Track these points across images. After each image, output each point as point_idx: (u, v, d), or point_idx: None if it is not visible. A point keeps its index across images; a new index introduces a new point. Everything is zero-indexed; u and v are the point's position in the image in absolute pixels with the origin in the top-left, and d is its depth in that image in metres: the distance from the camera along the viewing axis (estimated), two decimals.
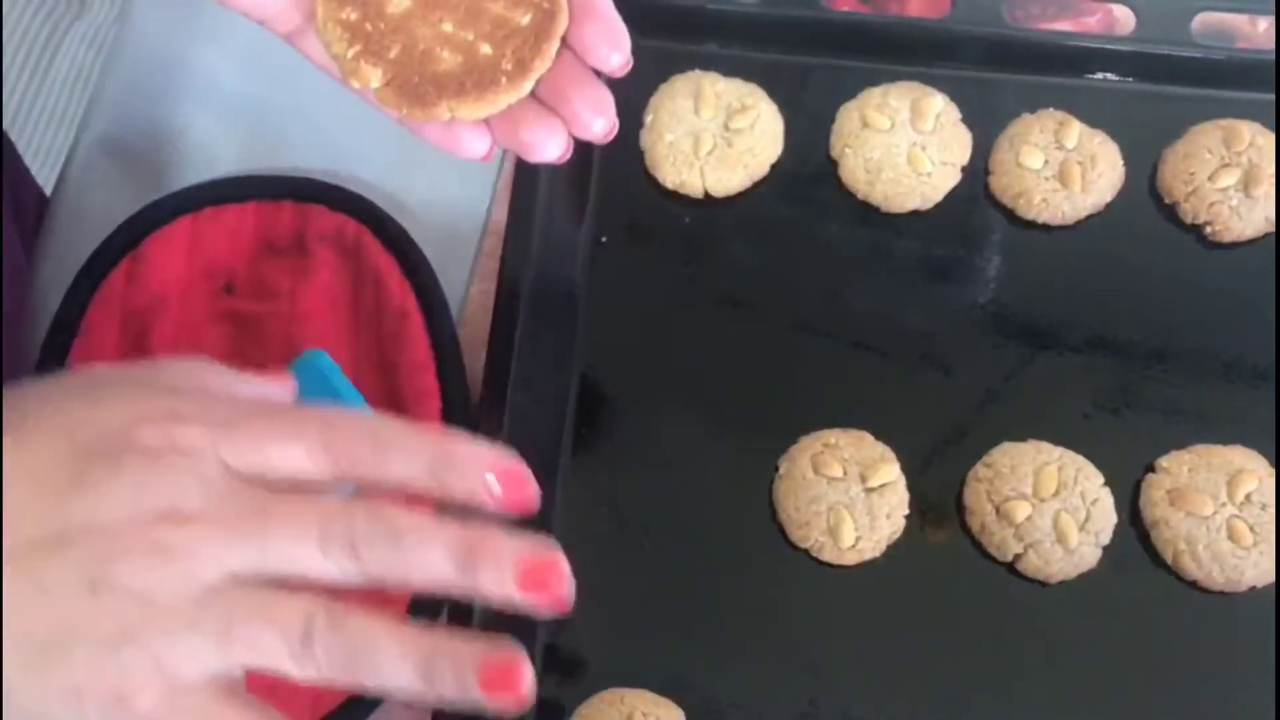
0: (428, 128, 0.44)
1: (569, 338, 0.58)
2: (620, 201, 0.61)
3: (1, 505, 0.34)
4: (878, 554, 0.54)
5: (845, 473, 0.54)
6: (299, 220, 0.60)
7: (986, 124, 0.61)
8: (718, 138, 0.60)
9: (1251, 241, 0.59)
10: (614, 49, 0.43)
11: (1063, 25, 0.64)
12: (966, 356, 0.58)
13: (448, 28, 0.43)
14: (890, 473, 0.54)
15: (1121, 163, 0.60)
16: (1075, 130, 0.60)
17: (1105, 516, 0.54)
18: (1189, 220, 0.59)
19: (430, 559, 0.34)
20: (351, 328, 0.57)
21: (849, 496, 0.54)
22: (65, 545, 0.34)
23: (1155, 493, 0.54)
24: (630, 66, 0.43)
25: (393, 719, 0.53)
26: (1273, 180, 0.58)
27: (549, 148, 0.43)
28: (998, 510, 0.54)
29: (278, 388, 0.42)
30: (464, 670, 0.33)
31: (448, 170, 0.62)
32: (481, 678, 0.33)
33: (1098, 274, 0.59)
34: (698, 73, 0.62)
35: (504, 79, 0.42)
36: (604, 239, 0.60)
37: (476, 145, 0.44)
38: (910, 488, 0.55)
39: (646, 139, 0.61)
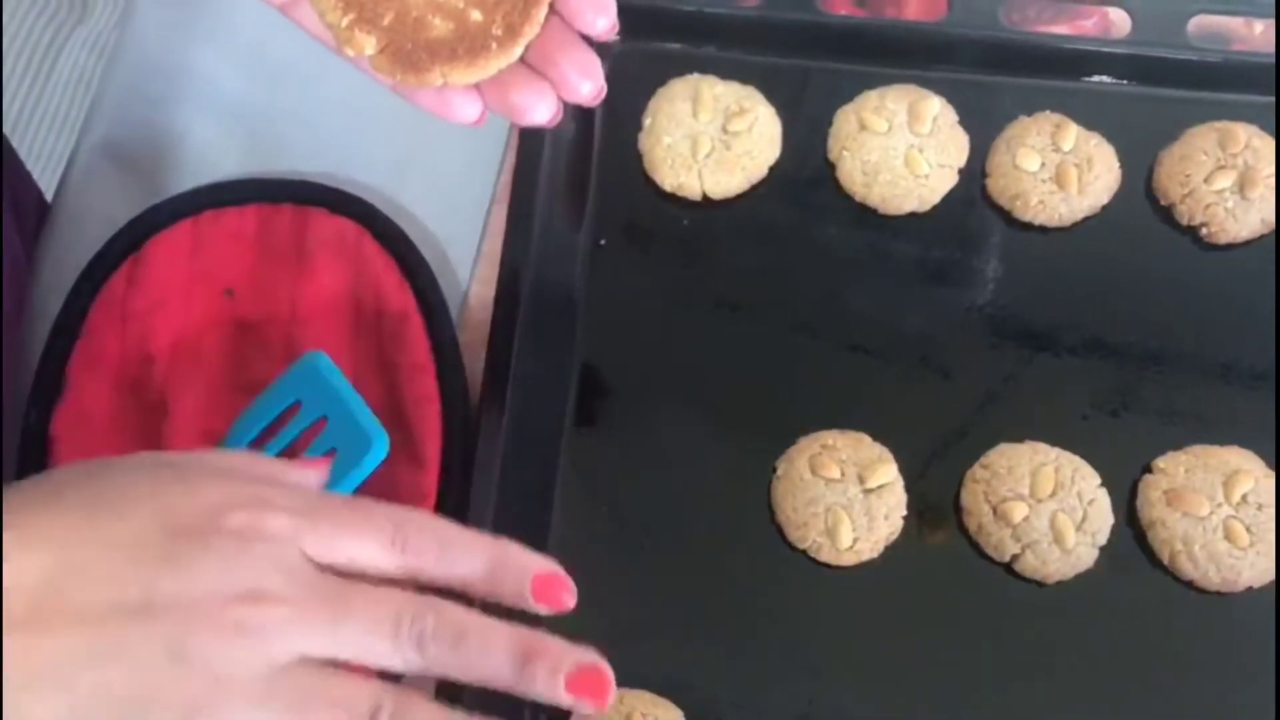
0: (421, 94, 0.45)
1: (568, 340, 0.59)
2: (619, 204, 0.61)
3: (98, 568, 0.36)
4: (875, 555, 0.54)
5: (843, 474, 0.55)
6: (299, 223, 0.60)
7: (983, 126, 0.61)
8: (716, 140, 0.60)
9: (1247, 243, 0.59)
10: (600, 13, 0.44)
11: (1059, 28, 0.64)
12: (964, 358, 0.58)
13: None
14: (888, 474, 0.55)
15: (1118, 165, 0.60)
16: (1072, 133, 0.60)
17: (1102, 517, 0.54)
18: (1185, 222, 0.60)
19: (491, 660, 0.38)
20: (351, 330, 0.58)
21: (847, 497, 0.54)
22: (151, 615, 0.36)
23: (1152, 493, 0.55)
24: (616, 30, 0.45)
25: None
26: (1268, 182, 0.59)
27: (538, 111, 0.44)
28: (995, 511, 0.54)
29: (316, 474, 0.44)
30: None
31: (447, 173, 0.62)
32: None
33: (1094, 276, 0.60)
34: (696, 76, 0.62)
35: (494, 44, 0.43)
36: (603, 241, 0.61)
37: (468, 110, 0.45)
38: (908, 489, 0.55)
39: (645, 142, 0.61)
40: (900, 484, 0.55)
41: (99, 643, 0.35)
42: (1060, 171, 0.59)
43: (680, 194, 0.61)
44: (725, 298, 0.60)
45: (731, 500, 0.56)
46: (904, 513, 0.55)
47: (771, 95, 0.62)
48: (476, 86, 0.44)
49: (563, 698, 0.38)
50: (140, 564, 0.36)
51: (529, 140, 0.60)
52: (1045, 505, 0.54)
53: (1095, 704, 0.52)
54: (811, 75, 0.63)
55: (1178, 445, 0.56)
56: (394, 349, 0.57)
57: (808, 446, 0.56)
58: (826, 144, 0.61)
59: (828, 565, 0.54)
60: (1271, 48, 0.62)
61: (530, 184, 0.59)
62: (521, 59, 0.44)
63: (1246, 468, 0.54)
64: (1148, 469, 0.55)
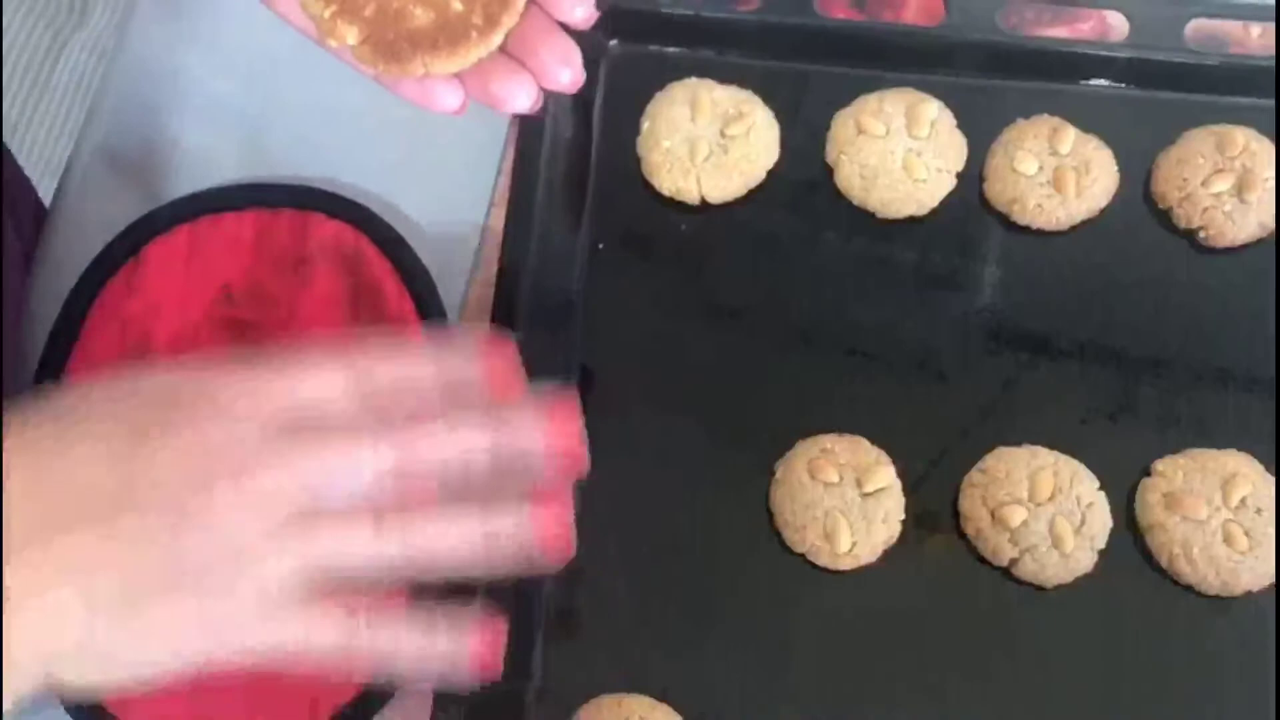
0: (403, 84, 0.45)
1: (567, 343, 0.59)
2: (617, 209, 0.61)
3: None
4: (874, 559, 0.54)
5: (841, 478, 0.55)
6: (297, 228, 0.60)
7: (981, 130, 0.61)
8: (714, 145, 0.60)
9: (1245, 246, 0.59)
10: (578, 2, 0.44)
11: (1057, 32, 0.64)
12: (962, 362, 0.58)
13: None
14: (886, 478, 0.55)
15: (1115, 168, 0.60)
16: (1069, 136, 0.60)
17: (1100, 521, 0.54)
18: (1183, 225, 0.60)
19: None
20: (349, 335, 0.58)
21: (845, 501, 0.54)
22: (138, 501, 0.37)
23: (1151, 497, 0.55)
24: (595, 19, 0.45)
25: None
26: (1266, 185, 0.59)
27: (519, 99, 0.45)
28: (993, 515, 0.54)
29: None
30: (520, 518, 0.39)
31: (445, 178, 0.62)
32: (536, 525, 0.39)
33: (1092, 279, 0.60)
34: (694, 80, 0.62)
35: (475, 34, 0.44)
36: (601, 246, 0.61)
37: (449, 99, 0.45)
38: (906, 493, 0.55)
39: (643, 146, 0.61)
40: (898, 488, 0.55)
41: (109, 536, 0.36)
42: (1058, 175, 0.59)
43: (678, 198, 0.61)
44: (723, 302, 0.60)
45: (729, 504, 0.56)
46: (902, 517, 0.55)
47: (769, 99, 0.62)
48: (458, 76, 0.45)
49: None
50: (123, 457, 0.37)
51: (527, 144, 0.60)
52: (1044, 509, 0.54)
53: (1094, 708, 0.52)
54: (809, 79, 0.63)
55: (1176, 449, 0.56)
56: None
57: (806, 450, 0.56)
58: (824, 148, 0.61)
59: (826, 569, 0.54)
60: (1268, 51, 0.62)
61: (528, 188, 0.59)
62: (501, 48, 0.45)
63: (1245, 471, 0.54)
64: (1146, 473, 0.55)
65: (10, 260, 0.61)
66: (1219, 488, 0.54)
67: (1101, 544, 0.54)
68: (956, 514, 0.55)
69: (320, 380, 0.39)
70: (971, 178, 0.61)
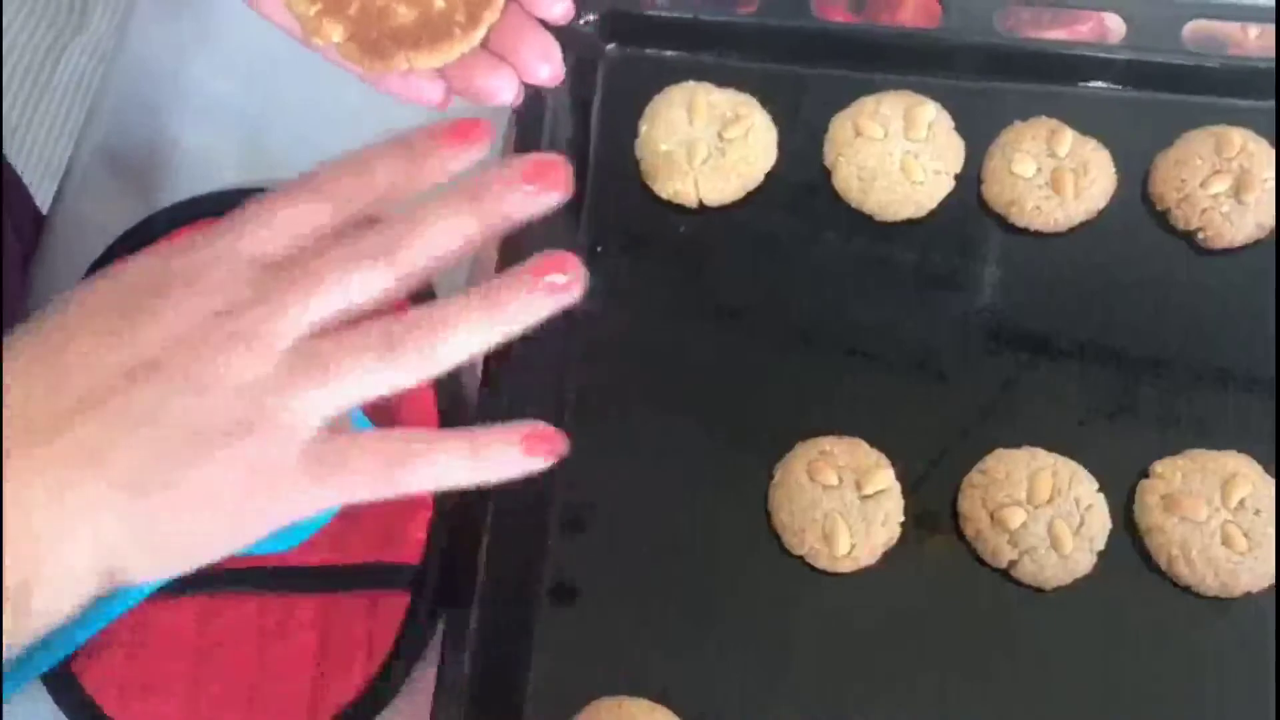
0: (387, 80, 0.47)
1: (565, 346, 0.59)
2: (615, 211, 0.61)
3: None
4: (873, 561, 0.54)
5: (840, 480, 0.55)
6: None
7: (980, 132, 0.61)
8: (712, 148, 0.60)
9: (1243, 247, 0.59)
10: None
11: (1055, 34, 0.64)
12: (961, 363, 0.58)
13: None
14: (884, 480, 0.55)
15: (1113, 170, 0.60)
16: (1067, 138, 0.60)
17: (1099, 522, 0.54)
18: (1181, 227, 0.60)
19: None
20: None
21: (844, 504, 0.54)
22: (151, 368, 0.37)
23: (1150, 498, 0.55)
24: (573, 15, 0.47)
25: None
26: (1264, 186, 0.59)
27: (502, 93, 0.46)
28: (992, 517, 0.54)
29: None
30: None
31: (442, 181, 0.62)
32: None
33: (1091, 281, 0.60)
34: (692, 83, 0.62)
35: (457, 30, 0.45)
36: (599, 248, 0.61)
37: (432, 93, 0.47)
38: (906, 495, 0.55)
39: (641, 149, 0.61)
40: (897, 490, 0.55)
41: (119, 414, 0.36)
42: (1055, 177, 0.59)
43: (676, 201, 0.61)
44: (722, 304, 0.60)
45: (729, 506, 0.56)
46: (901, 519, 0.55)
47: (767, 102, 0.62)
48: (441, 71, 0.46)
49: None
50: (116, 332, 0.37)
51: (524, 148, 0.60)
52: (1042, 511, 0.54)
53: (1094, 708, 0.52)
54: (807, 82, 0.63)
55: (1175, 450, 0.56)
56: None
57: (805, 452, 0.56)
58: (822, 151, 0.61)
59: (825, 571, 0.54)
60: (1265, 53, 0.62)
61: None
62: (483, 44, 0.46)
63: (1244, 472, 0.54)
64: (1145, 474, 0.55)
65: (9, 262, 0.61)
66: (1218, 489, 0.54)
67: (1100, 545, 0.54)
68: (955, 516, 0.55)
69: (295, 211, 0.40)
70: (969, 180, 0.61)
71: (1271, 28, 0.62)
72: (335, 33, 0.45)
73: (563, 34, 0.49)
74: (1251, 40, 0.64)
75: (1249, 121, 0.60)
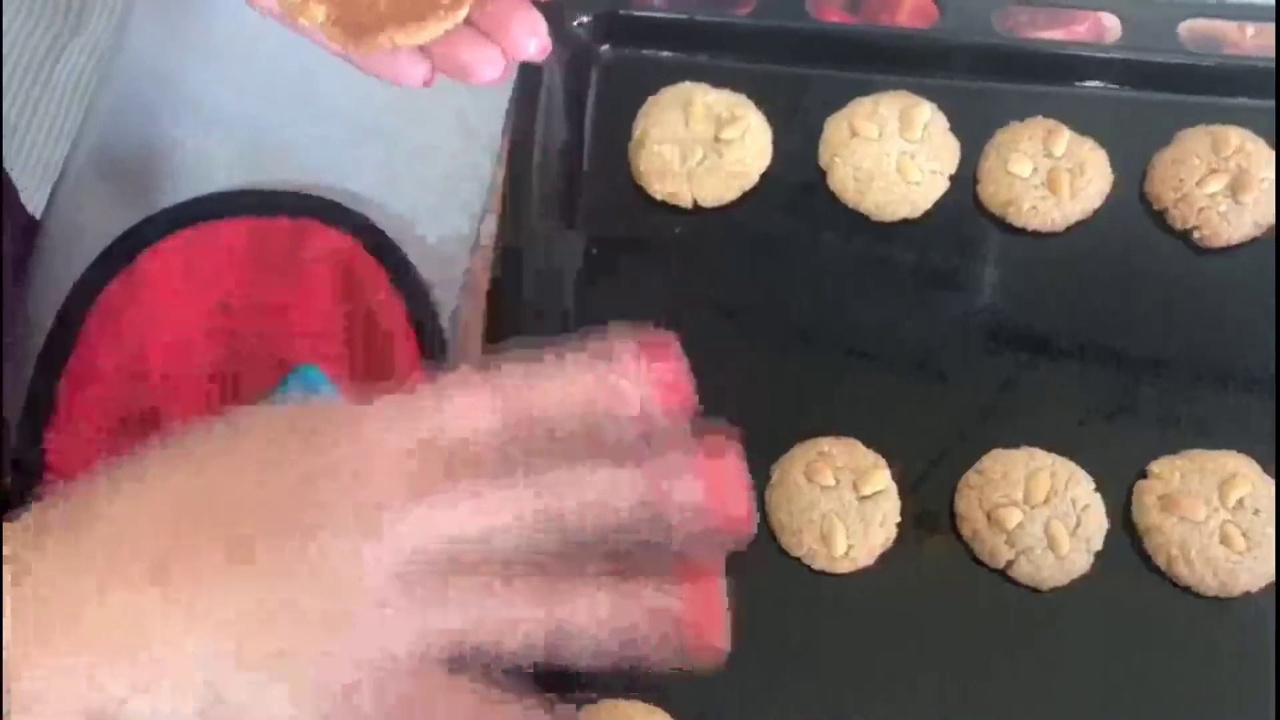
0: (371, 60, 0.46)
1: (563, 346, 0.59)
2: (610, 213, 0.61)
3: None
4: (871, 562, 0.54)
5: (838, 480, 0.55)
6: (293, 236, 0.60)
7: (976, 132, 0.61)
8: (707, 149, 0.60)
9: (1240, 246, 0.59)
10: None
11: (1051, 34, 0.64)
12: (959, 364, 0.58)
13: None
14: (882, 480, 0.55)
15: (1110, 169, 0.60)
16: (1064, 137, 0.60)
17: (1096, 523, 0.54)
18: (1178, 226, 0.60)
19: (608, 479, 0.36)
20: (344, 342, 0.58)
21: (842, 504, 0.54)
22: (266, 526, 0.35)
23: (1148, 498, 0.55)
24: None
25: None
26: (1261, 185, 0.59)
27: (487, 70, 0.46)
28: (989, 517, 0.54)
29: None
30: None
31: (440, 184, 0.62)
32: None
33: (1088, 280, 0.59)
34: (687, 84, 0.62)
35: (442, 10, 0.45)
36: (594, 250, 0.61)
37: (416, 72, 0.46)
38: (903, 495, 0.55)
39: (636, 150, 0.61)
40: (894, 490, 0.55)
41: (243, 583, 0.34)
42: (1052, 177, 0.59)
43: (672, 202, 0.61)
44: (718, 305, 0.60)
45: None
46: (899, 519, 0.55)
47: (763, 103, 0.62)
48: (425, 51, 0.46)
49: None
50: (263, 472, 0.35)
51: (520, 150, 0.60)
52: (1039, 511, 0.54)
53: (1093, 709, 0.52)
54: (803, 82, 0.63)
55: (1175, 449, 0.56)
56: (386, 361, 0.57)
57: (802, 453, 0.56)
58: (818, 151, 0.61)
59: (823, 572, 0.54)
60: (1263, 52, 0.62)
61: (521, 194, 0.59)
62: (466, 21, 0.45)
63: (1243, 472, 0.54)
64: (1143, 474, 0.55)
65: (5, 266, 0.61)
66: (1216, 489, 0.54)
67: (1098, 546, 0.54)
68: (953, 516, 0.55)
69: (468, 405, 0.37)
70: (965, 180, 0.61)
71: (1268, 26, 0.62)
72: (319, 14, 0.45)
73: (556, 33, 0.48)
74: (1248, 39, 0.64)
75: (1246, 120, 0.60)
